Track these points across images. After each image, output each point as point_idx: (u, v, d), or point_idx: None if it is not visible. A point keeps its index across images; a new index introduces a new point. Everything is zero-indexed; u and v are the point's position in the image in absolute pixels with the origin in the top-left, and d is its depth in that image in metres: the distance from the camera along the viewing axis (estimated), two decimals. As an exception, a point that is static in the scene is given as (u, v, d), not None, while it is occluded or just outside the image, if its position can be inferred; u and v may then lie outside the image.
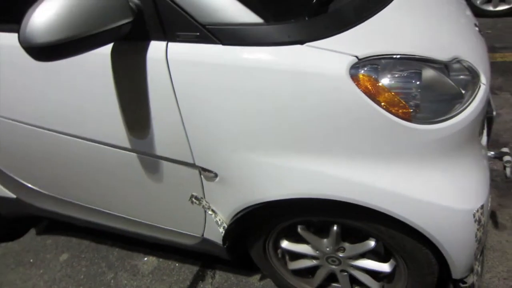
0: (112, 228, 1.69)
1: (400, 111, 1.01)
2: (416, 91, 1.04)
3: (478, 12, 3.43)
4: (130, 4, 1.01)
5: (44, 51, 0.90)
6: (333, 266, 1.40)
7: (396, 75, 1.04)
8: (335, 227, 1.25)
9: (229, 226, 1.31)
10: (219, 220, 1.34)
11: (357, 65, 0.98)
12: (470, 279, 1.21)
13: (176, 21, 1.04)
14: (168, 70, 1.08)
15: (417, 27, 1.21)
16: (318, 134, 1.03)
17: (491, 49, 3.03)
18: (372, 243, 1.25)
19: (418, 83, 1.04)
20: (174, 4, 1.01)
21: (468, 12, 1.56)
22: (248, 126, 1.08)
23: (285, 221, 1.30)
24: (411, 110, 1.02)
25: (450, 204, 1.06)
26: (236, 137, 1.11)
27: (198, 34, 1.03)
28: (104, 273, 1.92)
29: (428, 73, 1.07)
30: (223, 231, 1.34)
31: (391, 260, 1.30)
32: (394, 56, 1.04)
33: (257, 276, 1.74)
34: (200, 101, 1.09)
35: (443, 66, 1.11)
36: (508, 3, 3.33)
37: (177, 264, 1.89)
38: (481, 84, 1.17)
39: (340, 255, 1.34)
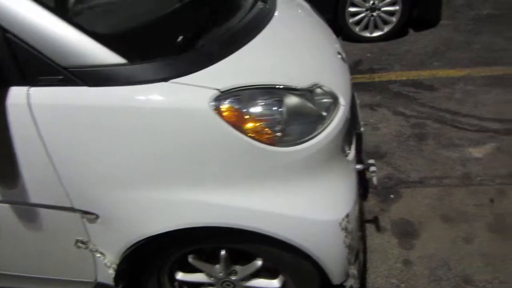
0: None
1: (265, 137, 1.10)
2: (280, 117, 1.14)
3: (357, 38, 3.88)
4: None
5: None
6: (229, 289, 1.44)
7: (260, 104, 1.14)
8: (222, 252, 1.30)
9: (118, 266, 1.28)
10: (108, 261, 1.31)
11: (219, 98, 1.05)
12: (348, 283, 1.32)
13: (36, 66, 1.03)
14: (32, 115, 1.05)
15: (279, 59, 1.34)
16: (189, 167, 1.08)
17: (371, 70, 3.43)
18: (259, 262, 1.32)
19: (280, 109, 1.15)
20: (32, 49, 1.00)
21: (333, 43, 1.75)
22: (118, 165, 1.09)
23: (173, 253, 1.31)
24: (275, 135, 1.12)
25: (317, 217, 1.18)
26: (107, 177, 1.11)
27: (61, 77, 1.03)
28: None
29: (290, 100, 1.19)
30: (113, 272, 1.31)
31: (280, 276, 1.37)
32: (256, 87, 1.14)
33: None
34: (69, 143, 1.08)
35: (306, 92, 1.24)
36: (381, 30, 3.81)
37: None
38: (341, 106, 1.32)
39: (233, 278, 1.38)
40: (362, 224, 1.73)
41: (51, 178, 1.14)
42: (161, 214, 1.14)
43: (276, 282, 1.38)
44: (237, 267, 1.36)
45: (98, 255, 1.31)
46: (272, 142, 1.12)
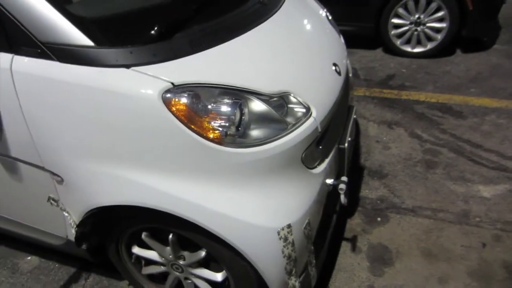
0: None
1: (211, 135, 1.14)
2: (233, 118, 1.17)
3: (397, 52, 3.72)
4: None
5: None
6: (177, 273, 1.51)
7: (213, 103, 1.17)
8: (170, 236, 1.36)
9: (77, 227, 1.40)
10: (72, 222, 1.43)
11: (171, 91, 1.11)
12: (286, 293, 1.34)
13: (20, 37, 1.15)
14: (12, 79, 1.18)
15: (255, 62, 1.36)
16: (134, 149, 1.16)
17: (401, 86, 3.30)
18: (203, 253, 1.37)
19: (235, 111, 1.18)
20: (17, 22, 1.12)
21: (331, 54, 1.73)
22: (80, 136, 1.19)
23: (126, 227, 1.40)
24: (224, 135, 1.16)
25: (255, 222, 1.20)
26: (71, 145, 1.21)
27: (39, 50, 1.14)
28: (-13, 272, 1.94)
29: (250, 103, 1.21)
30: (75, 233, 1.43)
31: (224, 271, 1.42)
32: (213, 86, 1.18)
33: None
34: (40, 110, 1.19)
35: (270, 98, 1.26)
36: (424, 46, 3.63)
37: (57, 265, 1.95)
38: (311, 117, 1.32)
39: (181, 262, 1.45)
40: (325, 237, 1.67)
41: (26, 138, 1.27)
42: (108, 188, 1.23)
43: (219, 276, 1.43)
44: (185, 253, 1.42)
45: (66, 214, 1.43)
46: (220, 141, 1.15)
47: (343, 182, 1.53)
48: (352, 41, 3.91)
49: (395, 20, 3.60)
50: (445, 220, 2.04)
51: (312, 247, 1.41)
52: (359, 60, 3.85)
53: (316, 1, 2.15)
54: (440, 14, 3.45)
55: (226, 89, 1.20)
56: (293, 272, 1.32)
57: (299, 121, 1.31)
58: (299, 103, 1.35)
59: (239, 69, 1.29)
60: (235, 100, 1.20)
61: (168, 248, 1.43)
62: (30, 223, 1.63)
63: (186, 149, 1.14)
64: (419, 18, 3.52)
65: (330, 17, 2.09)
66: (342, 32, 2.11)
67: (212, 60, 1.25)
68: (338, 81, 1.63)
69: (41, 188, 1.42)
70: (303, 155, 1.32)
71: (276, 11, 1.64)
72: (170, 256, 1.44)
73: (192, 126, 1.12)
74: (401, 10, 3.54)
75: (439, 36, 3.54)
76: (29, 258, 2.00)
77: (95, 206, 1.28)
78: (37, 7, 1.11)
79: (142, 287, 1.64)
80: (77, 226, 1.39)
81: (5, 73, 1.18)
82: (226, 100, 1.19)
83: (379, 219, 2.07)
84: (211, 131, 1.15)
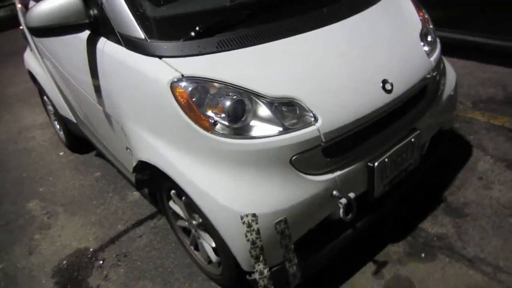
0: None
1: (203, 123, 1.39)
2: (228, 112, 1.38)
3: None
4: (89, 12, 1.65)
5: (34, 31, 1.63)
6: (193, 231, 1.82)
7: (214, 97, 1.41)
8: (183, 197, 1.68)
9: (133, 173, 1.87)
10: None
11: (179, 80, 1.40)
12: (254, 276, 1.47)
13: (110, 27, 1.64)
14: (103, 57, 1.71)
15: (270, 68, 1.50)
16: (152, 120, 1.53)
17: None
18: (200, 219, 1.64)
19: (230, 106, 1.38)
20: (108, 15, 1.62)
21: (380, 71, 1.64)
22: (128, 104, 1.63)
23: (160, 182, 1.79)
24: (213, 124, 1.38)
25: (223, 201, 1.39)
26: (125, 110, 1.69)
27: (117, 38, 1.62)
28: (108, 191, 2.71)
29: (250, 102, 1.40)
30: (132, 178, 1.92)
31: (216, 239, 1.65)
32: (219, 82, 1.41)
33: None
34: (113, 82, 1.69)
35: (273, 101, 1.41)
36: None
37: (148, 205, 2.53)
38: (314, 126, 1.41)
39: (193, 222, 1.75)
40: (324, 245, 1.63)
41: (110, 100, 1.80)
42: (139, 146, 1.64)
43: (213, 243, 1.67)
44: (195, 215, 1.72)
45: (134, 162, 1.93)
46: (208, 129, 1.38)
47: (346, 197, 1.53)
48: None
49: None
50: (504, 283, 1.69)
51: (292, 246, 1.49)
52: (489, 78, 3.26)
53: (417, 14, 1.99)
54: None
55: (228, 86, 1.41)
56: (261, 259, 1.45)
57: (295, 126, 1.41)
58: (306, 110, 1.44)
59: (252, 71, 1.47)
60: (233, 97, 1.40)
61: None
62: (124, 162, 2.21)
63: (182, 129, 1.42)
64: None
65: (429, 37, 1.93)
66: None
67: (231, 60, 1.48)
68: (380, 98, 1.57)
69: (122, 139, 1.95)
70: (293, 159, 1.42)
71: (334, 21, 1.69)
72: (187, 215, 1.77)
73: (189, 112, 1.39)
74: None
75: None
76: (134, 192, 2.67)
77: (137, 160, 1.71)
78: (117, 5, 1.56)
79: (178, 236, 2.04)
80: (132, 172, 1.86)
81: (99, 53, 1.71)
82: (226, 96, 1.40)
83: (423, 255, 1.87)
84: (203, 119, 1.39)
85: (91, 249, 2.20)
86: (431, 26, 1.98)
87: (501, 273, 1.74)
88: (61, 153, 3.25)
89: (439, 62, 1.87)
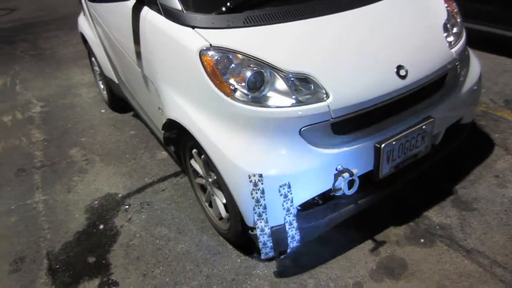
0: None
1: (226, 89, 1.55)
2: (248, 81, 1.53)
3: None
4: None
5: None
6: (209, 188, 2.00)
7: (237, 66, 1.55)
8: (202, 156, 1.86)
9: (162, 131, 2.07)
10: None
11: (207, 49, 1.56)
12: (256, 231, 1.63)
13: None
14: (145, 24, 1.89)
15: (292, 45, 1.63)
16: (182, 83, 1.70)
17: None
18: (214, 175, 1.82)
19: (250, 76, 1.52)
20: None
21: (396, 56, 1.71)
22: (164, 69, 1.81)
23: (185, 141, 1.98)
24: (235, 92, 1.54)
25: (235, 160, 1.56)
26: (158, 71, 1.87)
27: (157, 7, 1.79)
28: (140, 148, 2.96)
29: (268, 74, 1.54)
30: (161, 135, 2.12)
31: (227, 196, 1.82)
32: (243, 53, 1.55)
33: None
34: (151, 46, 1.87)
35: (290, 75, 1.54)
36: None
37: (173, 163, 2.75)
38: (325, 102, 1.53)
39: (210, 180, 1.93)
40: (326, 213, 1.74)
41: (148, 63, 1.99)
42: (169, 106, 1.82)
43: (224, 199, 1.85)
44: (211, 173, 1.90)
45: (164, 120, 2.13)
46: (229, 95, 1.54)
47: (350, 172, 1.64)
48: None
49: None
50: (498, 276, 1.75)
51: (293, 210, 1.63)
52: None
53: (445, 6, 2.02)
54: None
55: (250, 58, 1.55)
56: (263, 217, 1.60)
57: (307, 100, 1.54)
58: (319, 86, 1.56)
59: (274, 47, 1.60)
60: (254, 69, 1.54)
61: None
62: (156, 121, 2.42)
63: (206, 93, 1.59)
64: None
65: (454, 28, 1.95)
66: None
67: (255, 35, 1.62)
68: (393, 83, 1.65)
69: (156, 99, 2.15)
70: (302, 130, 1.55)
71: (357, 6, 1.78)
72: (204, 172, 1.95)
73: (213, 78, 1.55)
74: None
75: None
76: (163, 152, 2.89)
77: (166, 118, 1.90)
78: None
79: (196, 193, 2.24)
80: (161, 129, 2.06)
81: (142, 20, 1.90)
82: (247, 67, 1.55)
83: (422, 240, 1.96)
84: (225, 85, 1.55)
85: (119, 195, 2.46)
86: (458, 18, 2.00)
87: (497, 267, 1.79)
88: (102, 111, 3.55)
89: (461, 54, 1.90)
